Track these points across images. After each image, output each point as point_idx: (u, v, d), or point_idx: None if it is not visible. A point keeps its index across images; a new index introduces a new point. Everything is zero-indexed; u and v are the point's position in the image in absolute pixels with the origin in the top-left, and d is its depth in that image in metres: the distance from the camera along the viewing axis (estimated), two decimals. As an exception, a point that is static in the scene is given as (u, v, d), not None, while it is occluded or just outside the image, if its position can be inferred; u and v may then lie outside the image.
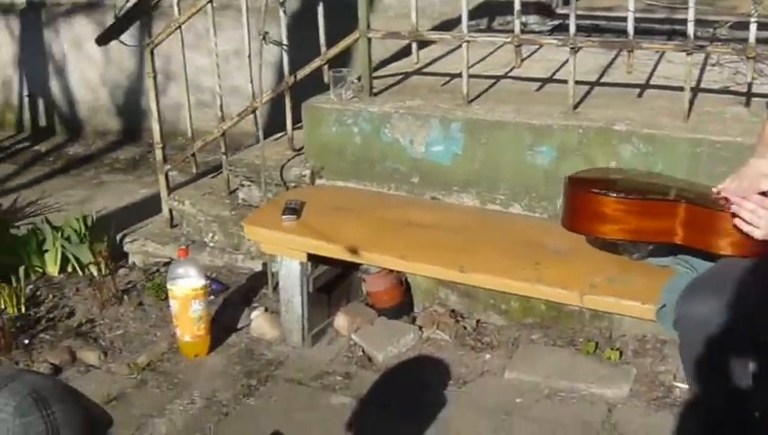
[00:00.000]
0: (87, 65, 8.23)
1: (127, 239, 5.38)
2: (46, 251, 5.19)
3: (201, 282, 4.25)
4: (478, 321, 4.37)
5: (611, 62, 5.07)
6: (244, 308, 4.65)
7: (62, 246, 5.17)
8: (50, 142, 8.34)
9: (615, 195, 3.27)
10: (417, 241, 3.92)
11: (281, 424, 3.76)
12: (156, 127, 5.26)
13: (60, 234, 5.21)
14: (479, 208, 4.30)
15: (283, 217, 4.15)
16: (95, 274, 5.04)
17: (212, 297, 4.74)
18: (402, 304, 4.48)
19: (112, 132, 8.23)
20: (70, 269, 5.20)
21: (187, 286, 4.22)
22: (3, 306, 4.76)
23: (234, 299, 4.79)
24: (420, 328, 4.35)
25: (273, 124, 5.42)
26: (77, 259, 5.16)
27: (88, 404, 1.67)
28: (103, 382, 4.18)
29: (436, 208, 4.31)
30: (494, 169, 4.23)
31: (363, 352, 4.27)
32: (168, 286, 4.30)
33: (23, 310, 4.77)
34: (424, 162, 4.38)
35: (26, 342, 4.49)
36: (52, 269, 5.19)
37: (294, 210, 4.18)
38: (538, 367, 3.98)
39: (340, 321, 4.43)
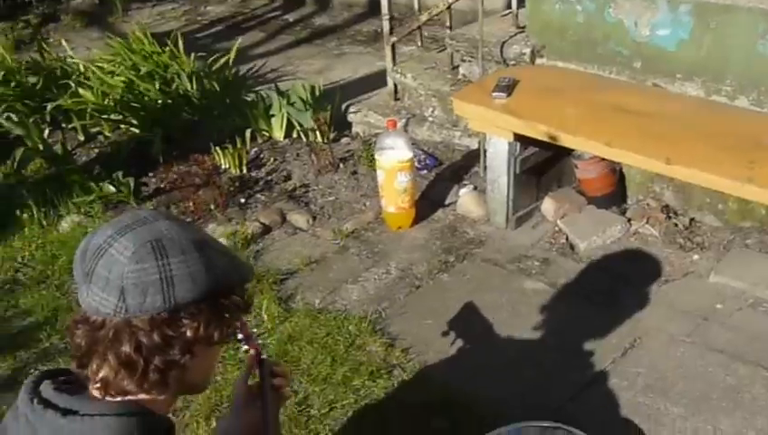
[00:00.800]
0: (336, -64, 8.29)
1: (351, 109, 5.44)
2: (273, 116, 5.32)
3: (408, 154, 4.22)
4: (692, 220, 4.11)
5: None
6: (453, 185, 4.60)
7: (287, 113, 5.29)
8: (299, 12, 8.47)
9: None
10: (628, 128, 3.69)
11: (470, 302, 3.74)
12: (384, -2, 5.23)
13: (286, 100, 5.32)
14: (701, 99, 3.98)
15: (493, 94, 4.02)
16: (316, 140, 5.13)
17: (424, 171, 4.73)
18: (613, 193, 4.28)
19: (359, 5, 8.24)
20: (294, 135, 5.32)
21: (393, 158, 4.20)
22: (226, 166, 4.95)
23: (445, 175, 4.75)
24: (629, 221, 4.15)
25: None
26: (301, 125, 5.27)
27: (224, 261, 1.65)
28: (307, 245, 4.29)
29: (655, 96, 4.04)
30: (722, 58, 3.88)
31: (566, 239, 4.13)
32: (376, 157, 4.30)
33: (244, 171, 4.94)
34: (647, 46, 4.09)
35: (242, 201, 4.66)
36: (278, 134, 5.32)
37: (506, 88, 4.03)
38: (747, 274, 3.70)
39: (547, 205, 4.29)
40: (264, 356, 2.01)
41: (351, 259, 4.16)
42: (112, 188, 4.74)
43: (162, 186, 4.81)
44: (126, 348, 1.58)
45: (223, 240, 4.27)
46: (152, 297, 1.54)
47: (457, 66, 5.04)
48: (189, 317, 1.59)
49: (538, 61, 4.49)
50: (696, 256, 3.90)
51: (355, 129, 5.40)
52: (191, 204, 4.55)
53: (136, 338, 1.56)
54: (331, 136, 5.14)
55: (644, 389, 3.19)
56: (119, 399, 1.63)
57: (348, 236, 4.32)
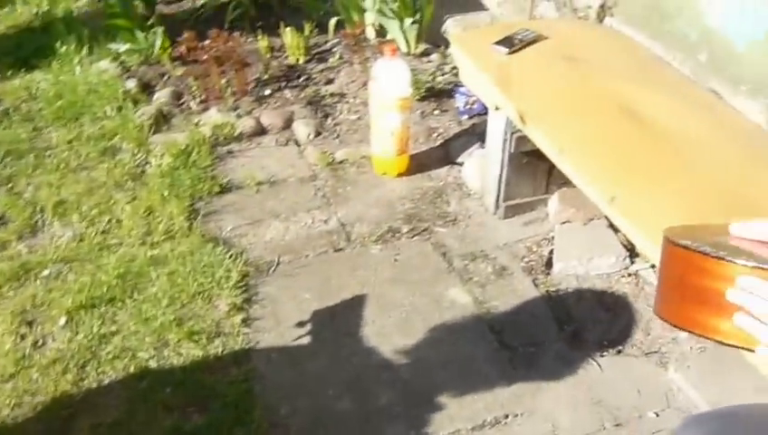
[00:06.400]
0: None
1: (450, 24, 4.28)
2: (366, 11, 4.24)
3: (404, 91, 3.14)
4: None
5: None
6: (478, 142, 3.44)
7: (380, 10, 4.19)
8: None
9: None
10: (611, 140, 2.40)
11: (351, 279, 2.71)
12: None
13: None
14: (756, 128, 2.55)
15: (493, 45, 2.83)
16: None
17: (465, 116, 3.63)
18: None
19: None
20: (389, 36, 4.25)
21: (385, 92, 3.14)
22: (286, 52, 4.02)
23: (481, 127, 3.54)
24: (632, 255, 2.86)
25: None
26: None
27: None
28: (281, 162, 3.42)
29: (692, 108, 2.61)
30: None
31: (550, 252, 2.93)
32: (368, 86, 3.25)
33: (301, 61, 4.01)
34: (715, 36, 2.68)
35: (267, 92, 3.80)
36: (370, 32, 4.29)
37: (514, 43, 2.82)
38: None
39: (552, 204, 3.07)
40: None
41: (305, 193, 3.22)
42: (141, 38, 3.99)
43: (198, 58, 3.73)
44: None
45: (204, 129, 3.49)
46: None
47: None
48: None
49: (607, 20, 3.15)
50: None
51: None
52: (209, 81, 3.71)
53: None
54: (420, 49, 4.07)
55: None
56: None
57: (329, 165, 3.36)
